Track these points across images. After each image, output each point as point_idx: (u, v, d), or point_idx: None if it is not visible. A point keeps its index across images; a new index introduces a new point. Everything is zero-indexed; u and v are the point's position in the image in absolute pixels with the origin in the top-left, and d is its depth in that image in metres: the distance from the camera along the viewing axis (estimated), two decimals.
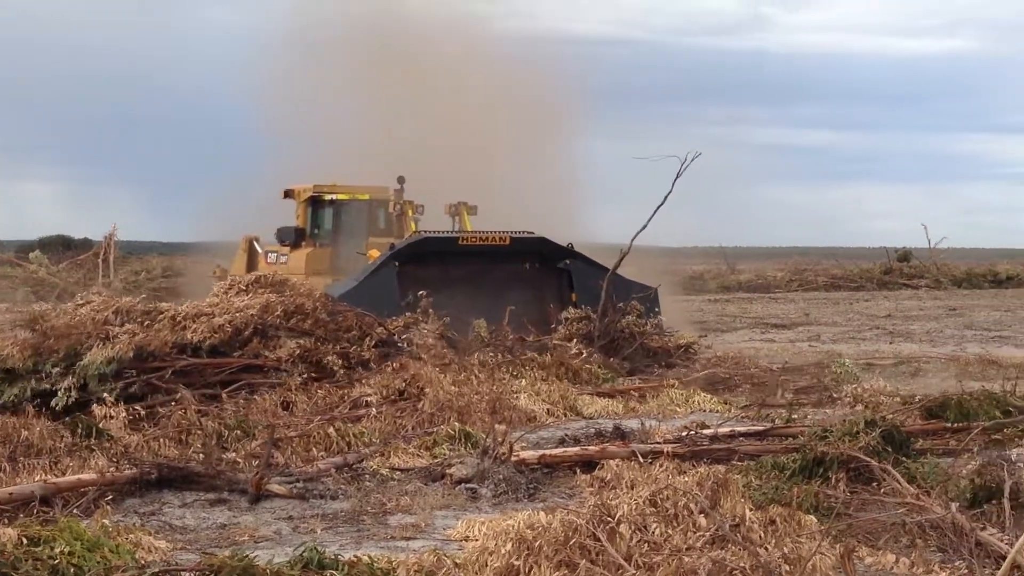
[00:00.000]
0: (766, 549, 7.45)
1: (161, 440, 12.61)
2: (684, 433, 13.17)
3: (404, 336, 16.91)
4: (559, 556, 7.58)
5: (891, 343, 25.94)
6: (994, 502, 9.52)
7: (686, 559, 7.20)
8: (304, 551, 7.85)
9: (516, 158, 34.16)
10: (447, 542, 9.41)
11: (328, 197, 25.67)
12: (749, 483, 10.74)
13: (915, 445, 12.40)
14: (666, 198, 20.40)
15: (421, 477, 11.71)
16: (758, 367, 19.55)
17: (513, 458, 11.79)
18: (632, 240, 20.76)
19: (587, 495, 10.47)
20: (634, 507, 7.98)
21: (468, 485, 11.40)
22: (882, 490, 10.40)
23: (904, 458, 11.44)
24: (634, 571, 7.31)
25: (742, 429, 13.55)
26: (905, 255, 58.65)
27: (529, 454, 12.02)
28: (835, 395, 16.76)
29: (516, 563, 7.52)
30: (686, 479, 8.78)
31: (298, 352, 15.45)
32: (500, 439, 11.76)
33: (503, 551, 7.64)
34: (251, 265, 26.36)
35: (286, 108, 37.37)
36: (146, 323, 15.25)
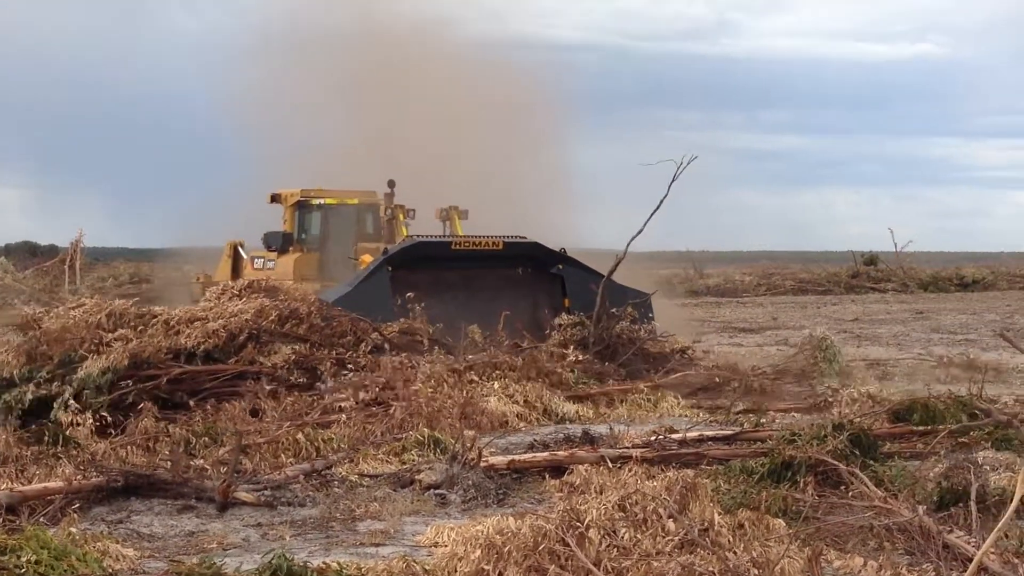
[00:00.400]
0: (735, 553, 7.48)
1: (128, 448, 12.54)
2: (653, 437, 13.18)
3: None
4: (528, 561, 7.59)
5: (858, 347, 26.05)
6: (961, 505, 9.57)
7: (655, 564, 7.22)
8: (272, 558, 7.84)
9: (501, 163, 34.10)
10: (416, 548, 9.38)
11: (316, 201, 25.35)
12: (718, 487, 10.76)
13: (882, 448, 12.47)
14: (662, 202, 19.92)
15: (390, 483, 11.69)
16: (753, 370, 19.11)
17: (482, 464, 11.79)
18: (628, 245, 20.33)
19: (556, 500, 10.48)
20: (603, 512, 8.00)
21: (437, 491, 11.37)
22: (850, 493, 10.45)
23: (872, 461, 11.50)
24: None
25: (710, 433, 13.56)
26: (872, 259, 58.89)
27: (498, 459, 12.02)
28: (831, 399, 16.55)
29: (485, 568, 7.52)
30: (655, 484, 8.81)
31: (293, 358, 15.26)
32: (469, 445, 11.76)
33: (472, 557, 7.65)
34: (236, 271, 26.07)
35: (265, 114, 37.34)
36: (139, 328, 14.99)
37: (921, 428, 13.68)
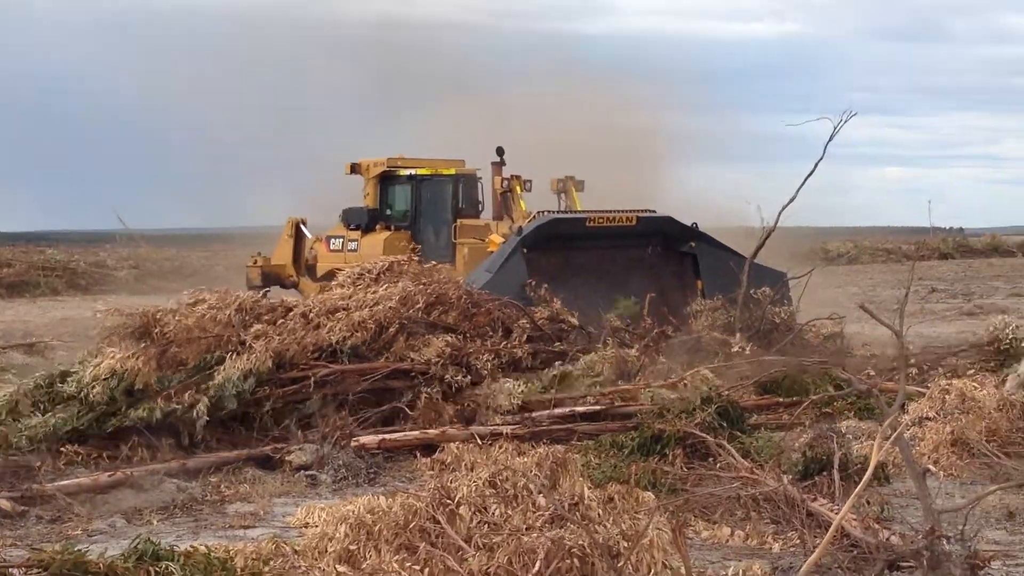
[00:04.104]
0: (604, 527, 7.52)
1: None
2: (523, 415, 13.19)
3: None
4: (399, 540, 7.56)
5: None
6: (825, 473, 9.75)
7: (525, 539, 7.21)
8: (138, 543, 7.69)
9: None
10: (286, 529, 9.33)
11: (405, 173, 22.56)
12: (588, 462, 10.85)
13: (749, 420, 12.66)
14: (814, 169, 18.10)
15: (259, 466, 11.57)
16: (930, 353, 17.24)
17: (353, 443, 11.73)
18: (777, 217, 18.23)
19: (427, 478, 10.48)
20: (474, 489, 7.99)
21: (307, 472, 11.31)
22: (718, 465, 10.60)
23: (739, 433, 11.67)
24: (474, 552, 7.31)
25: (581, 409, 13.59)
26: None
27: (369, 439, 11.95)
28: None
29: (352, 548, 7.48)
30: (525, 460, 8.83)
31: (448, 352, 13.51)
32: (338, 424, 11.73)
33: (341, 536, 7.59)
34: (297, 252, 23.85)
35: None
36: (278, 321, 13.30)
37: (787, 400, 13.93)
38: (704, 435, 11.05)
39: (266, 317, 13.40)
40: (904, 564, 7.54)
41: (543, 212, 19.10)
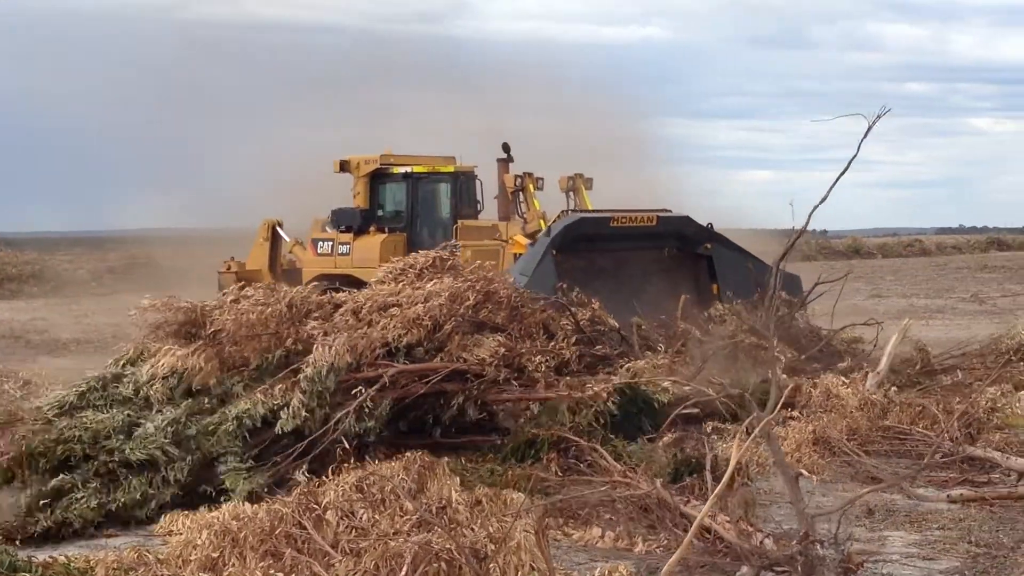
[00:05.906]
0: (472, 530, 7.47)
1: None
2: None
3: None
4: (265, 546, 7.45)
5: None
6: (696, 476, 9.79)
7: (392, 544, 7.14)
8: None
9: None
10: (150, 538, 9.15)
11: (400, 171, 21.15)
12: (463, 467, 10.77)
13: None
14: (848, 166, 17.70)
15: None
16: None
17: None
18: (808, 218, 17.93)
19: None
20: (340, 494, 7.91)
21: None
22: (591, 469, 10.59)
23: (613, 436, 11.68)
24: (340, 558, 7.22)
25: None
26: None
27: None
28: None
29: (214, 556, 7.35)
30: (392, 464, 8.75)
31: (502, 352, 12.77)
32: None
33: (205, 543, 7.45)
34: (274, 256, 22.40)
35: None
36: (329, 318, 12.45)
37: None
38: (577, 439, 11.03)
39: (316, 314, 12.54)
40: (778, 568, 7.56)
41: (566, 212, 18.43)
